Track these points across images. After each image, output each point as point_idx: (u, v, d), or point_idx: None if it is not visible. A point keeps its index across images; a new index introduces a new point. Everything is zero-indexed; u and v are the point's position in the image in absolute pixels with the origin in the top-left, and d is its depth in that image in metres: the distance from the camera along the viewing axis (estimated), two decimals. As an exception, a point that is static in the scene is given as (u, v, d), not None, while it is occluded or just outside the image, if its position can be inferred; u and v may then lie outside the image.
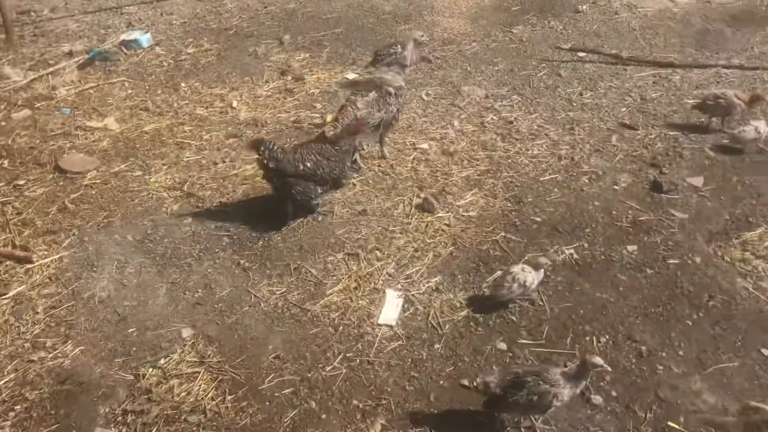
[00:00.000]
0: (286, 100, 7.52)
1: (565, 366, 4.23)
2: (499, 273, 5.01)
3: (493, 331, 4.69)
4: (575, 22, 8.94)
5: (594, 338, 4.58)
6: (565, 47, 8.24)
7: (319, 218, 5.75)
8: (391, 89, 6.16)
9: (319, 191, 5.64)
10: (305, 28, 9.10)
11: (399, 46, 6.70)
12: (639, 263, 5.20)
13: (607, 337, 4.59)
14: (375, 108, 6.13)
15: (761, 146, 6.37)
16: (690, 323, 4.69)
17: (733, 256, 5.39)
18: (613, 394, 4.21)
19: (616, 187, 6.01)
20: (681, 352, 4.46)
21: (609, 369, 3.98)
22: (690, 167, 6.22)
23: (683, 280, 5.03)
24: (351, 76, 7.88)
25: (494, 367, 4.36)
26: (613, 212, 5.71)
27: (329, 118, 6.87)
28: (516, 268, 4.76)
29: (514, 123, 6.96)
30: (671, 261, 5.21)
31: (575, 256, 5.28)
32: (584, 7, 9.14)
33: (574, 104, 7.22)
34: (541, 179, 6.14)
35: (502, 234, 5.55)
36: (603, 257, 5.26)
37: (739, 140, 6.34)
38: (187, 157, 6.63)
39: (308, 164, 5.48)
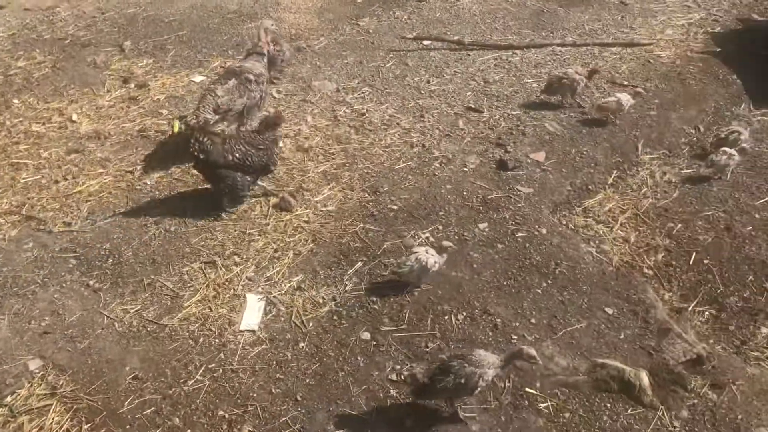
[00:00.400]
0: (130, 109, 7.20)
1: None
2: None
3: (357, 323, 4.74)
4: (419, 11, 9.15)
5: (452, 317, 4.74)
6: (410, 37, 8.41)
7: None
8: (251, 76, 6.27)
9: (248, 180, 5.71)
10: (147, 33, 8.74)
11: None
12: (490, 239, 5.42)
13: (464, 314, 4.76)
14: (236, 95, 6.22)
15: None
16: (540, 291, 4.96)
17: (576, 224, 5.75)
18: (473, 368, 4.38)
19: (465, 168, 6.22)
20: (533, 320, 4.71)
21: (540, 363, 4.08)
22: (532, 144, 6.54)
23: (531, 252, 5.30)
24: (198, 78, 7.67)
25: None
26: (464, 193, 5.92)
27: (176, 126, 6.66)
28: (420, 250, 4.84)
29: (367, 114, 7.03)
30: (519, 234, 5.47)
31: (431, 239, 5.42)
32: (425, -5, 9.38)
33: (422, 92, 7.40)
34: (396, 168, 6.25)
35: (361, 225, 5.60)
36: (457, 237, 5.43)
37: (606, 109, 6.73)
38: (24, 178, 6.20)
39: (237, 155, 5.55)
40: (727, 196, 5.90)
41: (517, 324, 4.67)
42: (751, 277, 5.12)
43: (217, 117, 6.14)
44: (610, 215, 5.84)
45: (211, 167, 5.61)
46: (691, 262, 5.30)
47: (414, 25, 8.81)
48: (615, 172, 6.30)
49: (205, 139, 5.52)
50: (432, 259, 4.80)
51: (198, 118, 6.01)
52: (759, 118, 6.94)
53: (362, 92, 7.44)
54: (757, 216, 5.66)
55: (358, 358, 4.47)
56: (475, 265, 5.17)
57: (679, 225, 5.64)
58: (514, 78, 7.63)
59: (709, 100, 7.20)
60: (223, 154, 5.53)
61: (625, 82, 7.44)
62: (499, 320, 4.69)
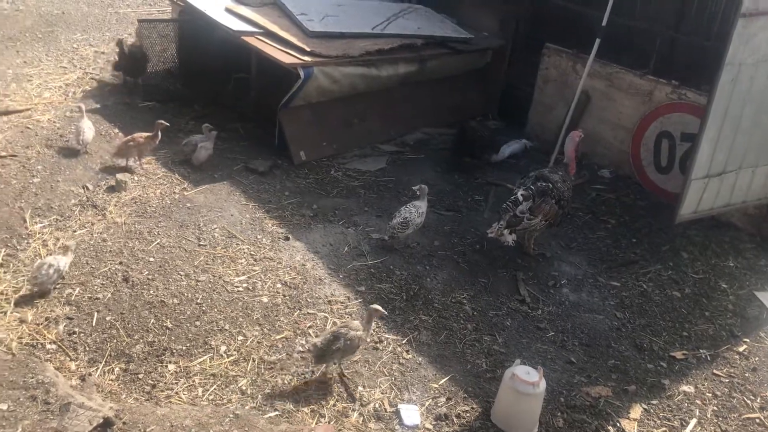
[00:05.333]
0: None
1: None
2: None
3: None
4: None
5: None
6: None
7: None
8: None
9: None
10: None
11: None
12: None
13: None
14: None
15: None
16: None
17: (-36, 319, 5.07)
18: None
19: None
20: None
21: (386, 313, 5.22)
22: None
23: None
24: None
25: None
26: None
27: None
28: (49, 258, 5.34)
29: None
30: None
31: None
32: None
33: None
34: None
35: None
36: None
37: None
38: None
39: None
40: (121, 247, 6.02)
41: None
42: (152, 321, 5.30)
43: None
44: (4, 298, 5.34)
45: None
46: (94, 323, 5.22)
47: None
48: (3, 250, 5.81)
49: None
50: (63, 261, 5.39)
51: None
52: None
53: None
54: (151, 260, 5.92)
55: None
56: None
57: (78, 288, 5.51)
58: None
59: (95, 158, 7.28)
60: None
61: (3, 153, 6.98)
62: None
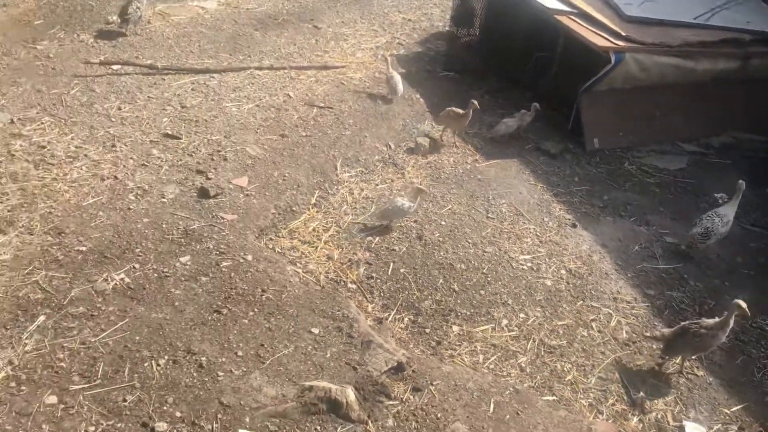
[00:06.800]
0: None
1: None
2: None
3: (39, 386, 4.15)
4: (109, 34, 8.53)
5: (153, 362, 4.38)
6: (95, 61, 7.78)
7: None
8: None
9: None
10: None
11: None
12: (193, 273, 5.16)
13: (166, 357, 4.43)
14: None
15: None
16: (247, 321, 4.82)
17: (282, 246, 5.73)
18: (178, 414, 4.08)
19: (164, 199, 5.88)
20: (240, 353, 4.54)
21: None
22: (234, 169, 6.42)
23: (237, 280, 5.15)
24: None
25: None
26: (164, 226, 5.58)
27: None
28: (398, 198, 5.98)
29: (48, 147, 6.32)
30: (224, 264, 5.29)
31: (126, 280, 4.99)
32: (115, 17, 8.76)
33: (113, 119, 6.87)
34: (84, 204, 5.69)
35: (44, 273, 4.96)
36: (156, 275, 5.08)
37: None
38: None
39: None
40: (417, 206, 6.36)
41: (224, 359, 4.47)
42: (441, 281, 5.54)
43: None
44: (315, 234, 5.93)
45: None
46: (389, 272, 5.58)
47: (101, 49, 8.18)
48: (317, 191, 6.44)
49: None
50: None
51: None
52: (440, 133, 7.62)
53: (42, 123, 6.68)
54: (443, 223, 6.17)
55: (43, 426, 3.91)
56: (176, 303, 4.86)
57: (377, 238, 5.92)
58: (212, 102, 7.45)
59: (398, 118, 7.74)
60: None
61: (321, 104, 7.70)
62: (204, 358, 4.44)
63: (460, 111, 7.19)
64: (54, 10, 8.86)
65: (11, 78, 7.34)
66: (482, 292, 5.49)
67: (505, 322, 5.26)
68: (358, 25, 9.92)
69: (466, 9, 9.47)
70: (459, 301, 5.38)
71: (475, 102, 7.18)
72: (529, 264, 5.85)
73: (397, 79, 7.92)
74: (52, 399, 4.09)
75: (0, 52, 7.80)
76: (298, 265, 5.56)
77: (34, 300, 4.74)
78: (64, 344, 4.42)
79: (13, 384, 4.15)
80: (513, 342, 5.10)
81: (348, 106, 7.80)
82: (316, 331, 4.83)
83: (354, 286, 5.45)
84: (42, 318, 4.59)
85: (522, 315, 5.34)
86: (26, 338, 4.44)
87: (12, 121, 6.63)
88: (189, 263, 5.25)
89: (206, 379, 4.31)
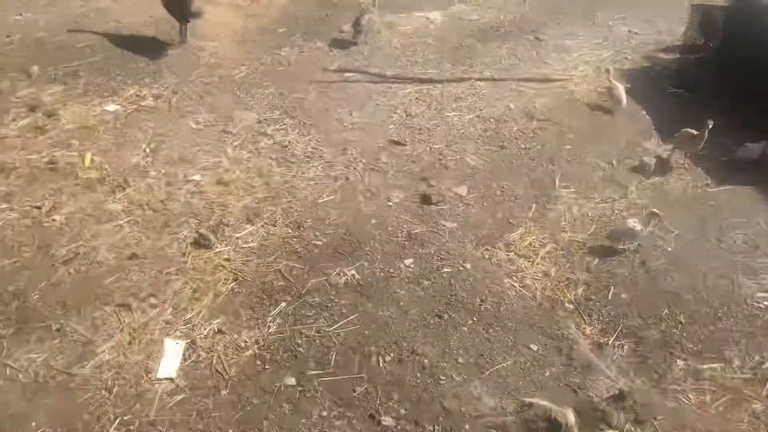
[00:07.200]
0: (38, 139, 6.81)
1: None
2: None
3: (281, 367, 4.58)
4: (341, 43, 9.14)
5: (380, 358, 4.65)
6: (332, 69, 8.38)
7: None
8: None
9: None
10: (57, 59, 8.32)
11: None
12: (416, 276, 5.40)
13: (392, 354, 4.69)
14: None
15: None
16: (466, 329, 4.95)
17: (499, 258, 5.80)
18: (402, 412, 4.30)
19: (389, 203, 6.20)
20: (460, 360, 4.69)
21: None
22: (454, 177, 6.60)
23: (457, 288, 5.31)
24: (111, 107, 7.35)
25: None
26: (389, 228, 5.89)
27: (88, 159, 6.36)
28: (630, 220, 5.84)
29: (289, 147, 6.93)
30: (445, 270, 5.47)
31: (357, 276, 5.34)
32: (348, 27, 9.36)
33: (345, 124, 7.36)
34: (320, 202, 6.16)
35: (285, 263, 5.46)
36: (383, 274, 5.38)
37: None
38: None
39: None
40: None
41: (445, 364, 4.63)
42: (665, 311, 5.28)
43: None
44: (531, 249, 5.92)
45: None
46: (609, 296, 5.43)
47: (335, 57, 8.78)
48: (534, 205, 6.42)
49: None
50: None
51: None
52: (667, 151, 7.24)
53: (284, 123, 7.33)
54: (669, 249, 5.88)
55: (284, 405, 4.31)
56: (401, 303, 5.12)
57: (597, 259, 5.78)
58: (435, 111, 7.71)
59: (621, 135, 7.48)
60: None
61: (542, 117, 7.65)
62: (426, 360, 4.64)
63: (695, 132, 6.77)
64: (296, 20, 9.64)
65: (259, 81, 8.12)
66: (711, 327, 5.15)
67: (737, 362, 4.90)
68: (581, 37, 9.69)
69: (705, 21, 8.87)
70: (685, 335, 5.10)
71: (711, 122, 6.73)
72: (765, 302, 5.39)
73: (621, 90, 7.68)
74: (291, 380, 4.50)
75: (251, 57, 8.67)
76: (515, 278, 5.59)
77: (277, 287, 5.23)
78: (302, 330, 4.85)
79: (258, 362, 4.62)
80: (746, 385, 4.74)
81: (569, 119, 7.66)
82: (534, 347, 4.84)
83: (571, 306, 5.37)
84: (283, 304, 5.06)
85: (757, 357, 4.94)
86: (270, 321, 4.93)
87: (258, 121, 7.35)
88: (412, 266, 5.49)
89: (429, 381, 4.50)
